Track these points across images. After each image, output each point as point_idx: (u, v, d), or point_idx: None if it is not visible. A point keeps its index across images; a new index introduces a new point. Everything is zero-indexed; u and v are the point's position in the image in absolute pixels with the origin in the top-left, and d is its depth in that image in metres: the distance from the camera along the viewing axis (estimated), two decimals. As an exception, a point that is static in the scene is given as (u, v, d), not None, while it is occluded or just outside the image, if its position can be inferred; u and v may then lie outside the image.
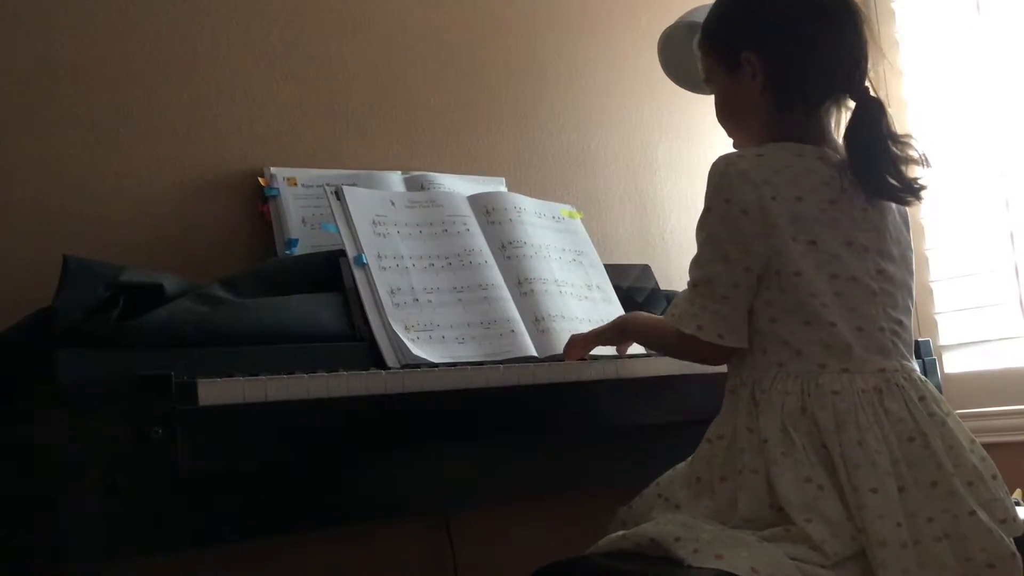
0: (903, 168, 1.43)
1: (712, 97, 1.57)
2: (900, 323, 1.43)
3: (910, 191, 1.44)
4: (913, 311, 1.48)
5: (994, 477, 1.38)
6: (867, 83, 1.46)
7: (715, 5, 1.56)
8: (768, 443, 1.34)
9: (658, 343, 1.61)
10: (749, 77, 1.47)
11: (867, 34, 1.47)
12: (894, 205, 1.47)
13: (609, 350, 1.74)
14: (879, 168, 1.42)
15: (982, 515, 1.32)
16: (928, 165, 1.45)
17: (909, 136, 1.45)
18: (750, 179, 1.38)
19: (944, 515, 1.32)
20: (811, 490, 1.31)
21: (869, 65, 1.46)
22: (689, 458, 1.50)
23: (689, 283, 1.44)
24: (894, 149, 1.43)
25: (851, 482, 1.30)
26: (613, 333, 1.68)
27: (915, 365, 1.44)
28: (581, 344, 1.68)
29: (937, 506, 1.32)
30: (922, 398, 1.38)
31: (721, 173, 1.41)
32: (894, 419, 1.35)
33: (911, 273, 1.48)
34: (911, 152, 1.44)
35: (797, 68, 1.45)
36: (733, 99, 1.52)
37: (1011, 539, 1.34)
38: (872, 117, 1.43)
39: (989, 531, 1.32)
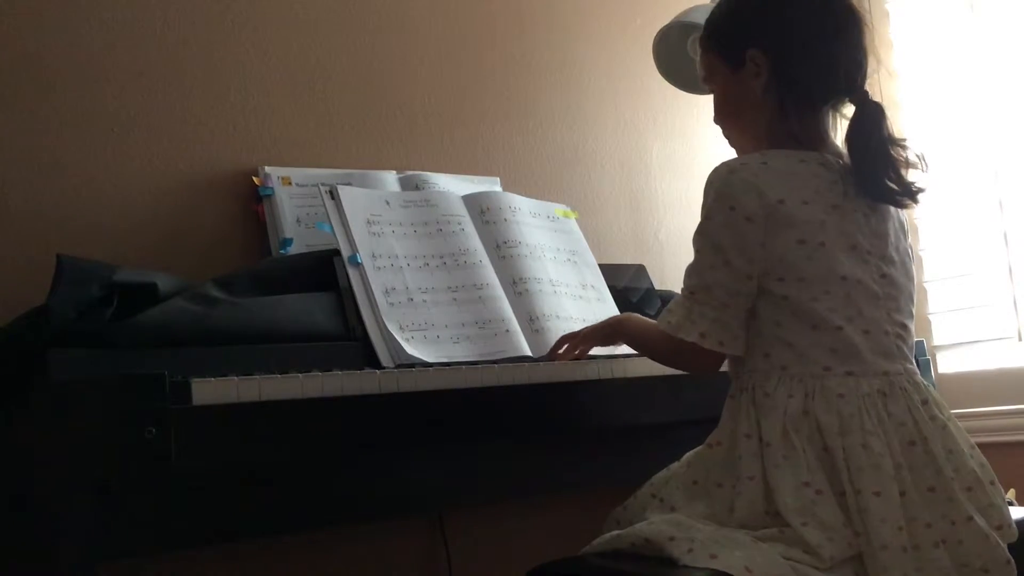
0: (902, 171, 1.44)
1: (709, 97, 1.57)
2: (904, 327, 1.43)
3: (908, 194, 1.44)
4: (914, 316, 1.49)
5: (992, 483, 1.39)
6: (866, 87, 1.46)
7: (721, 2, 1.56)
8: (770, 447, 1.34)
9: (650, 349, 1.57)
10: (753, 76, 1.47)
11: (867, 38, 1.47)
12: (893, 212, 1.48)
13: (602, 349, 1.73)
14: (879, 171, 1.42)
15: (979, 521, 1.33)
16: (926, 169, 1.46)
17: (906, 140, 1.46)
18: (755, 186, 1.37)
19: (942, 520, 1.32)
20: (808, 494, 1.30)
21: (869, 69, 1.47)
22: (685, 459, 1.50)
23: (685, 290, 1.42)
24: (893, 152, 1.43)
25: (854, 485, 1.30)
26: (604, 334, 1.66)
27: (916, 368, 1.44)
28: (572, 344, 1.68)
29: (936, 511, 1.32)
30: (924, 402, 1.38)
31: (724, 180, 1.39)
32: (896, 422, 1.35)
33: (911, 279, 1.48)
34: (909, 155, 1.45)
35: (802, 67, 1.45)
36: (734, 98, 1.51)
37: (1006, 545, 1.35)
38: (873, 120, 1.43)
39: (986, 537, 1.32)
